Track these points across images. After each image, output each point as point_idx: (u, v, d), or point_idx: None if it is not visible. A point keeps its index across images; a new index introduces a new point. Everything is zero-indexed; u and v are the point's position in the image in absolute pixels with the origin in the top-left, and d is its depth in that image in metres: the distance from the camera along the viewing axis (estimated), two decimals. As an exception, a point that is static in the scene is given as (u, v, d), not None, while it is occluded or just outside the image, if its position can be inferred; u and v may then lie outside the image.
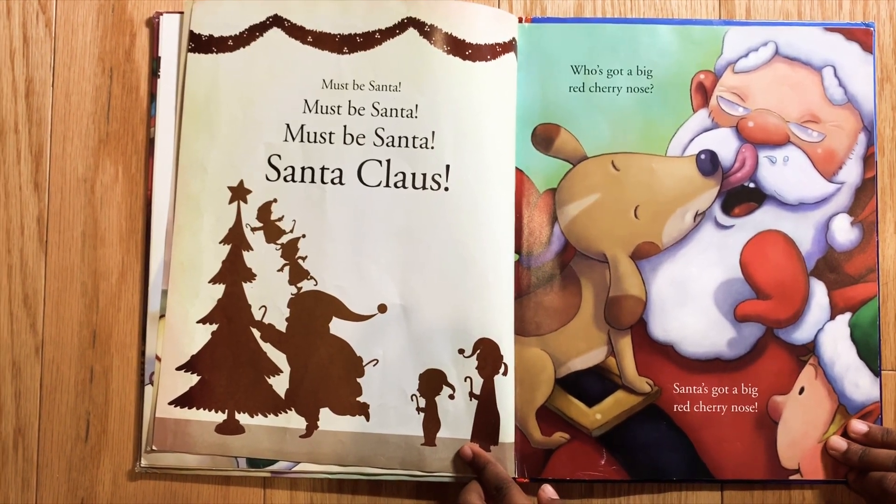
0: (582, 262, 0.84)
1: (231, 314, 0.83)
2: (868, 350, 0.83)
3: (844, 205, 0.84)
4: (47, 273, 0.85)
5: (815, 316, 0.84)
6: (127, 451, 0.84)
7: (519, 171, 0.84)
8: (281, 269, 0.83)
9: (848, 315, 0.83)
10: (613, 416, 0.83)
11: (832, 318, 0.84)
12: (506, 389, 0.82)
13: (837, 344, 0.83)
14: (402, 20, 0.84)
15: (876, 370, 0.83)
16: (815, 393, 0.83)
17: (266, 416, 0.82)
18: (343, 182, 0.84)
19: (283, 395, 0.83)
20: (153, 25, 0.86)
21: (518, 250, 0.84)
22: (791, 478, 0.82)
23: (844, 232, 0.84)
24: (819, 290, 0.84)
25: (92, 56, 0.86)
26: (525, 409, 0.83)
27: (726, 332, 0.84)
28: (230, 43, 0.85)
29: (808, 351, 0.83)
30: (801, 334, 0.83)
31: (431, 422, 0.82)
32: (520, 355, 0.83)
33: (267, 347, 0.83)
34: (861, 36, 0.86)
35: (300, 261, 0.83)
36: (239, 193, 0.84)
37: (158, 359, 0.83)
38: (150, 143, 0.85)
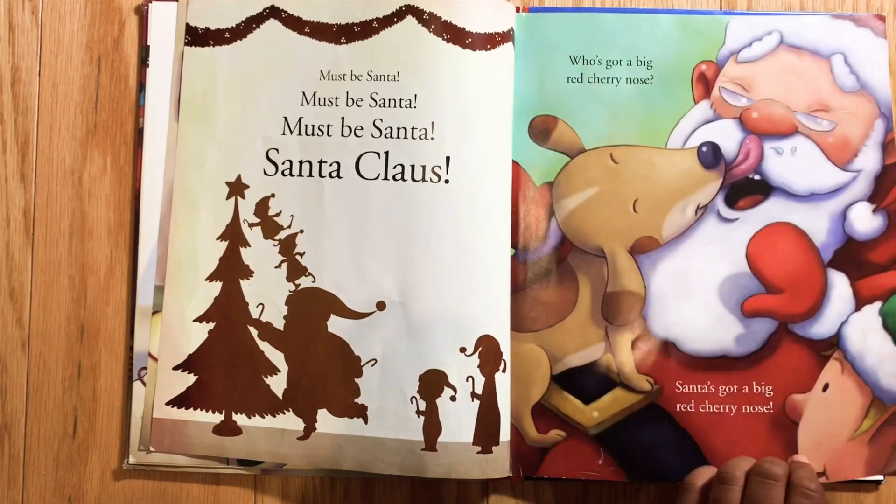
0: (579, 256, 0.82)
1: (228, 312, 0.82)
2: None
3: (864, 192, 0.82)
4: (34, 266, 0.84)
5: (837, 308, 0.81)
6: (115, 449, 0.83)
7: (515, 164, 0.83)
8: (279, 266, 0.82)
9: (878, 305, 0.81)
10: (611, 415, 0.81)
11: (857, 309, 0.81)
12: (504, 387, 0.80)
13: (867, 335, 0.81)
14: (401, 8, 0.83)
15: (916, 357, 0.81)
16: (843, 388, 0.80)
17: (263, 417, 0.81)
18: (341, 175, 0.82)
19: (280, 396, 0.81)
20: (142, 13, 0.85)
21: (514, 245, 0.82)
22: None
23: (865, 220, 0.82)
24: (839, 282, 0.81)
25: (79, 44, 0.86)
26: (520, 406, 0.81)
27: (733, 327, 0.82)
28: (227, 35, 0.84)
29: (831, 345, 0.81)
30: (821, 328, 0.81)
31: (432, 426, 0.79)
32: (515, 351, 0.81)
33: (264, 346, 0.82)
34: (872, 22, 0.84)
35: (298, 257, 0.82)
36: (236, 188, 0.83)
37: (152, 356, 0.82)
38: (139, 133, 0.84)
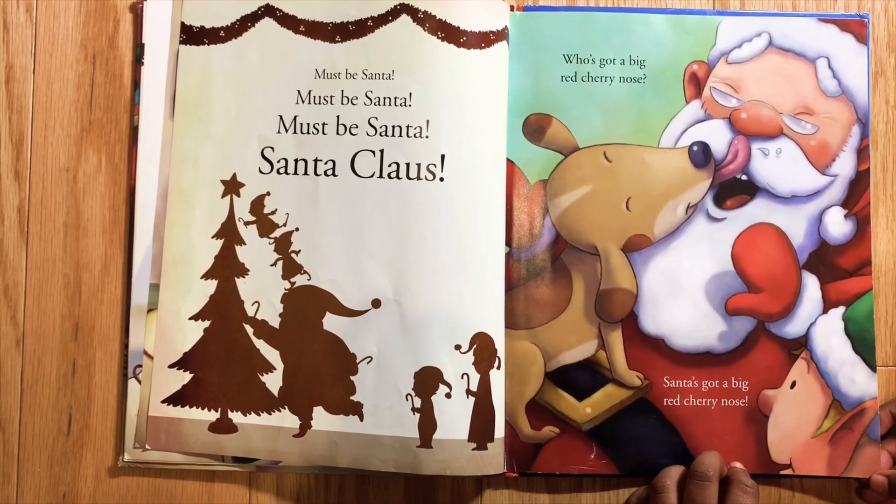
0: (573, 254, 0.83)
1: (224, 310, 0.82)
2: (864, 345, 0.82)
3: (838, 197, 0.84)
4: (28, 264, 0.84)
5: (807, 309, 0.83)
6: (110, 446, 0.83)
7: (510, 162, 0.83)
8: (274, 264, 0.82)
9: (841, 309, 0.83)
10: (603, 410, 0.82)
11: (825, 311, 0.83)
12: (499, 384, 0.81)
13: (831, 338, 0.82)
14: (395, 6, 0.83)
15: (873, 365, 0.82)
16: (808, 387, 0.82)
17: (259, 415, 0.81)
18: (336, 174, 0.82)
19: (276, 393, 0.81)
20: (137, 11, 0.85)
21: (508, 242, 0.83)
22: (782, 472, 0.82)
23: (838, 225, 0.83)
24: (811, 284, 0.83)
25: (74, 42, 0.85)
26: (514, 402, 0.82)
27: (717, 325, 0.83)
28: (222, 34, 0.84)
29: (800, 345, 0.82)
30: (793, 328, 0.83)
31: (427, 423, 0.79)
32: (510, 349, 0.82)
33: (260, 344, 0.82)
34: (855, 27, 0.85)
35: (293, 255, 0.82)
36: (232, 187, 0.83)
37: (147, 354, 0.82)
38: (134, 131, 0.84)
